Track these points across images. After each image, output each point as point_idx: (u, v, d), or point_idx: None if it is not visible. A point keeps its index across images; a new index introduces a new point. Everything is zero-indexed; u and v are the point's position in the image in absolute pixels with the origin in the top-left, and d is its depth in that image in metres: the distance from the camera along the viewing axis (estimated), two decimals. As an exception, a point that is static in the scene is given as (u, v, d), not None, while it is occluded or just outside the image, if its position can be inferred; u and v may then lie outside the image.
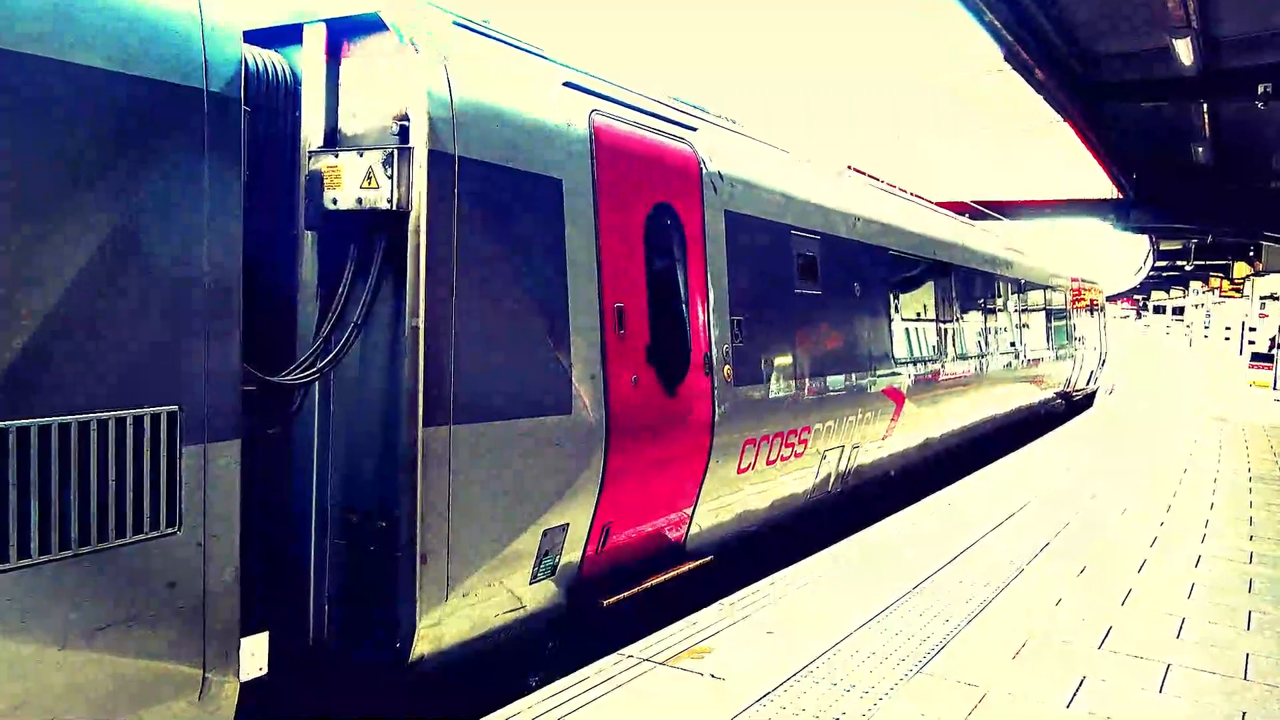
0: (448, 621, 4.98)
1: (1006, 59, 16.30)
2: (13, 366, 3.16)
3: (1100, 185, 30.26)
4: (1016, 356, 15.96)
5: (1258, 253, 39.56)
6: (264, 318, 5.05)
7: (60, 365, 3.29)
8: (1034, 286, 17.73)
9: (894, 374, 10.32)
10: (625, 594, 6.05)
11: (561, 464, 5.53)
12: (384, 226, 4.81)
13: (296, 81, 5.04)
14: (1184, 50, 14.08)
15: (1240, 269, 48.56)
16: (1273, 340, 34.06)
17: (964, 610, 6.22)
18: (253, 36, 5.07)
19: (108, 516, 3.43)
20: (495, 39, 5.60)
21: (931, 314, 12.01)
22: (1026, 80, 16.98)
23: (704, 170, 7.01)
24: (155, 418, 3.56)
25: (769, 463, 7.88)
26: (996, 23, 14.15)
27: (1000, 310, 15.25)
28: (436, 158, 4.78)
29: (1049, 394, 19.33)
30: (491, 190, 5.13)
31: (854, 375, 9.33)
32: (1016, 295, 16.35)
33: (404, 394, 4.76)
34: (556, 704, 4.63)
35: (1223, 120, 20.20)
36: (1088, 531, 8.63)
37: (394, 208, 4.70)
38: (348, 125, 5.01)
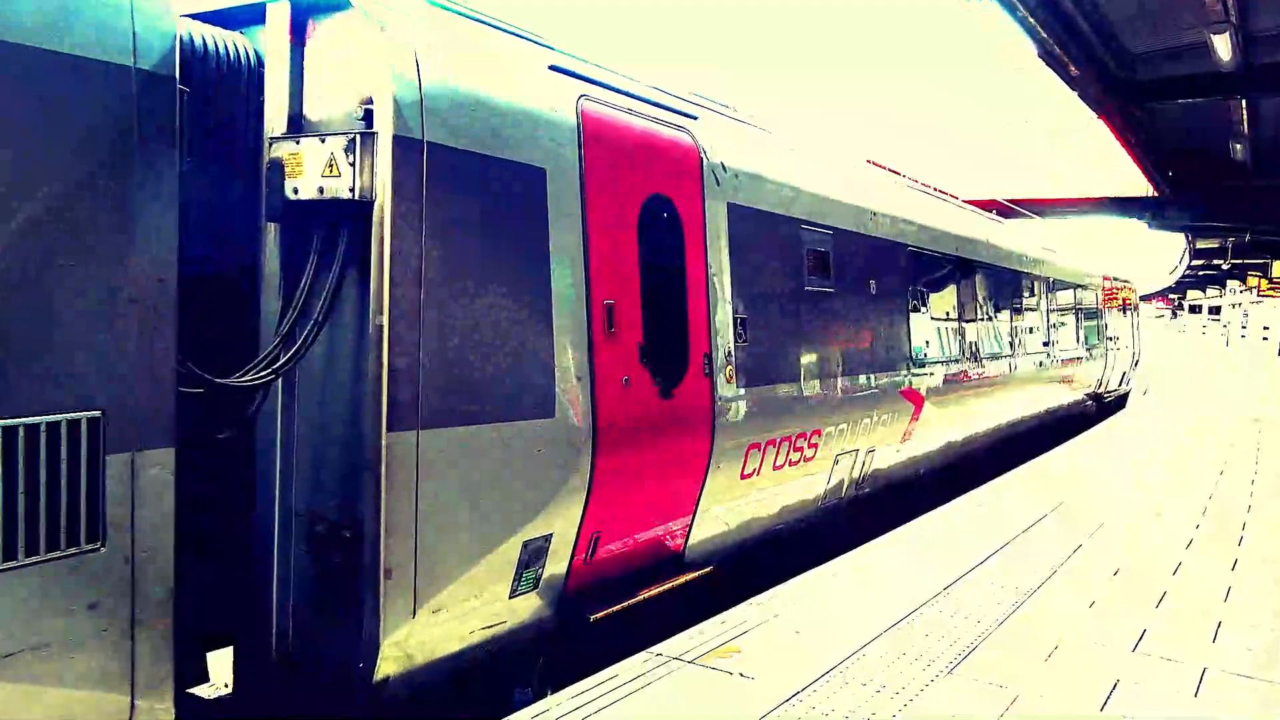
0: (417, 639, 4.66)
1: (1040, 56, 15.92)
2: None
3: (1134, 183, 29.61)
4: (1044, 357, 15.46)
5: (1297, 251, 38.64)
6: (226, 315, 4.78)
7: None
8: (1064, 285, 17.21)
9: (913, 375, 9.92)
10: (615, 608, 5.70)
11: (543, 471, 5.20)
12: (347, 217, 4.50)
13: (260, 64, 4.75)
14: (1222, 45, 13.63)
15: (1279, 268, 47.53)
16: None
17: (995, 612, 6.06)
18: (215, 17, 4.79)
19: (16, 532, 3.13)
20: (475, 20, 5.29)
21: (954, 313, 11.57)
22: (1060, 77, 16.61)
23: (705, 161, 6.66)
24: (74, 424, 3.27)
25: (776, 468, 7.51)
26: (1031, 19, 13.82)
27: (1027, 309, 14.76)
28: (403, 144, 4.47)
29: (1079, 395, 18.78)
30: (465, 179, 4.81)
31: (869, 376, 8.94)
32: (1045, 294, 15.84)
33: (367, 396, 4.45)
34: (585, 701, 4.57)
35: (1262, 116, 19.61)
36: (1121, 534, 8.34)
37: (356, 197, 4.39)
38: (312, 110, 4.71)
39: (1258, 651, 5.44)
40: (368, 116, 4.49)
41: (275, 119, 4.70)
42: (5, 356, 3.11)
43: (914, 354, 9.99)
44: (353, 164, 4.38)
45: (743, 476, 7.06)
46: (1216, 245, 48.84)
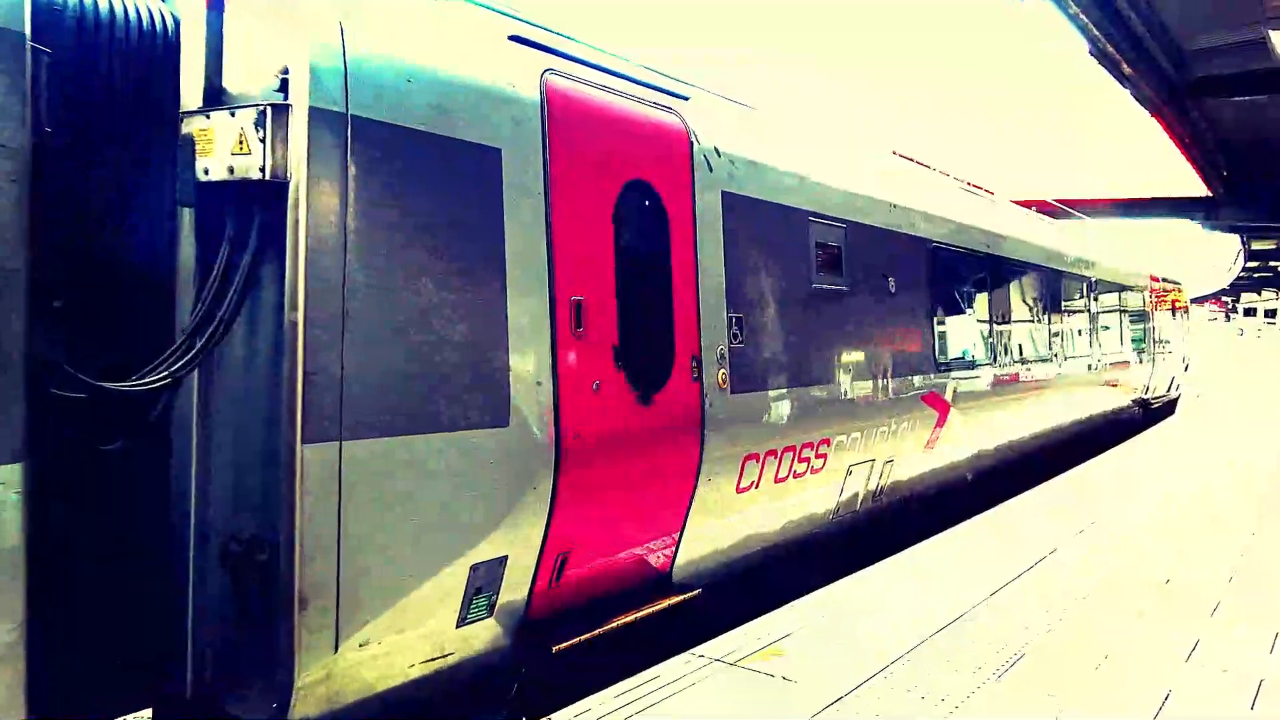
0: (343, 676, 4.14)
1: (1092, 54, 15.29)
2: None
3: (1187, 183, 28.57)
4: (1085, 361, 14.64)
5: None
6: (141, 313, 4.28)
7: None
8: (1108, 286, 16.35)
9: (937, 380, 9.24)
10: (582, 638, 5.13)
11: (496, 486, 4.65)
12: (258, 200, 3.99)
13: (179, 31, 4.26)
14: (1280, 41, 12.91)
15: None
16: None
17: (1043, 620, 5.82)
18: None
19: None
20: (422, -16, 4.76)
21: (984, 314, 10.86)
22: (1113, 75, 16.00)
23: (695, 145, 6.08)
24: None
25: (778, 480, 6.90)
26: (1083, 17, 13.28)
27: (1067, 311, 13.96)
28: (322, 117, 3.95)
29: (1124, 401, 17.88)
30: (401, 158, 4.28)
31: (886, 381, 8.29)
32: (1088, 295, 15.02)
33: (281, 403, 3.93)
34: (625, 702, 4.51)
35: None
36: (1172, 543, 7.82)
37: (268, 177, 3.88)
38: (232, 82, 4.20)
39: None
40: (284, 87, 3.98)
41: (191, 92, 4.20)
42: None
43: (938, 358, 9.31)
44: (263, 140, 3.87)
45: (739, 490, 6.47)
46: (1273, 246, 47.24)
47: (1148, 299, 19.56)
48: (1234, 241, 48.93)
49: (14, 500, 3.07)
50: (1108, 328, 16.29)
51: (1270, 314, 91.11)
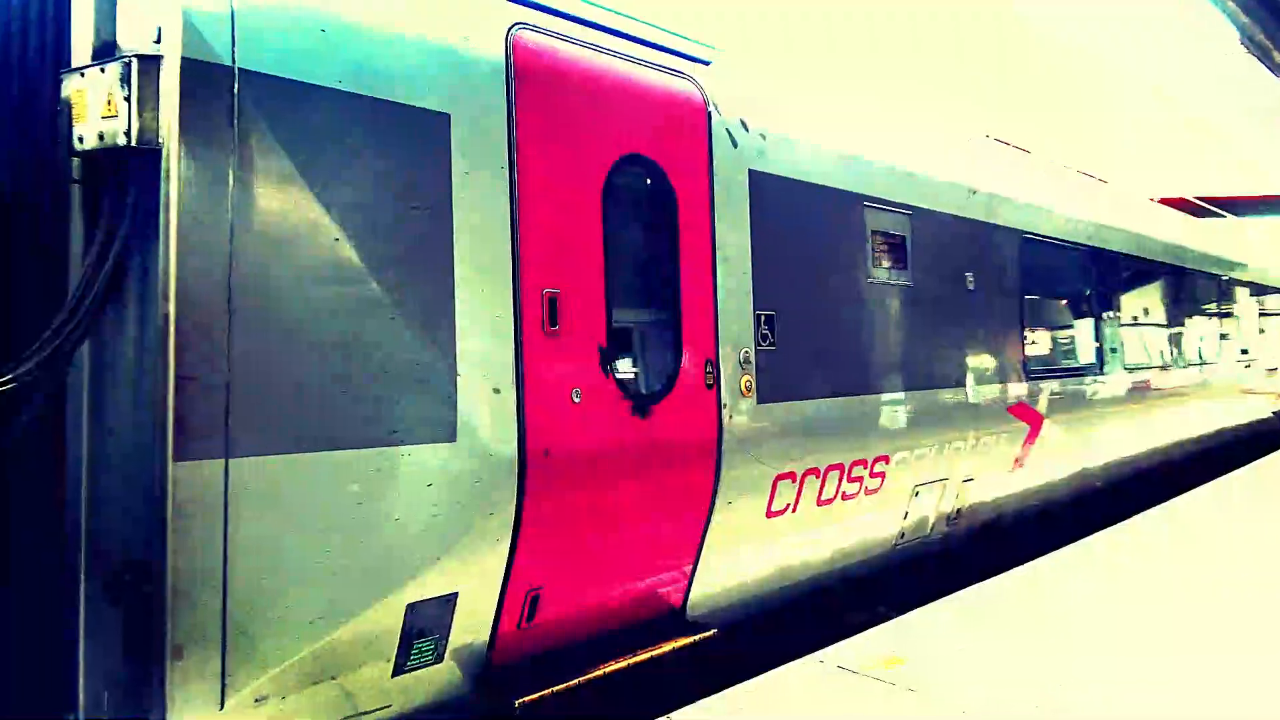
0: (235, 735, 3.49)
1: (1242, 43, 13.97)
2: None
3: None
4: (1213, 367, 13.11)
5: None
6: (28, 307, 3.73)
7: None
8: (1242, 285, 14.72)
9: (1027, 388, 8.15)
10: (554, 689, 4.38)
11: (437, 513, 3.94)
12: (130, 173, 3.37)
13: None
14: None
15: None
16: None
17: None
18: None
19: None
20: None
21: (1089, 315, 9.66)
22: (1264, 64, 14.57)
23: (714, 116, 5.27)
24: None
25: (823, 503, 6.02)
26: (1231, 3, 12.02)
27: (1192, 312, 12.49)
28: (198, 71, 3.32)
29: (1264, 414, 16.11)
30: (311, 123, 3.62)
31: (961, 389, 7.29)
32: (1216, 294, 13.49)
33: (150, 413, 3.31)
34: (738, 707, 4.40)
35: None
36: None
37: (135, 143, 3.27)
38: (124, 36, 3.59)
39: None
40: (159, 38, 3.36)
41: (81, 48, 3.63)
42: None
43: (1029, 363, 8.22)
44: (128, 99, 3.26)
45: (770, 514, 5.62)
46: None
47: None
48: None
49: None
50: (1241, 331, 14.65)
51: None
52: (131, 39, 3.52)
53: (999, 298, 7.85)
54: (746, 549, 5.55)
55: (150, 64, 3.27)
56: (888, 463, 6.50)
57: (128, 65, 3.25)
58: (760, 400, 5.44)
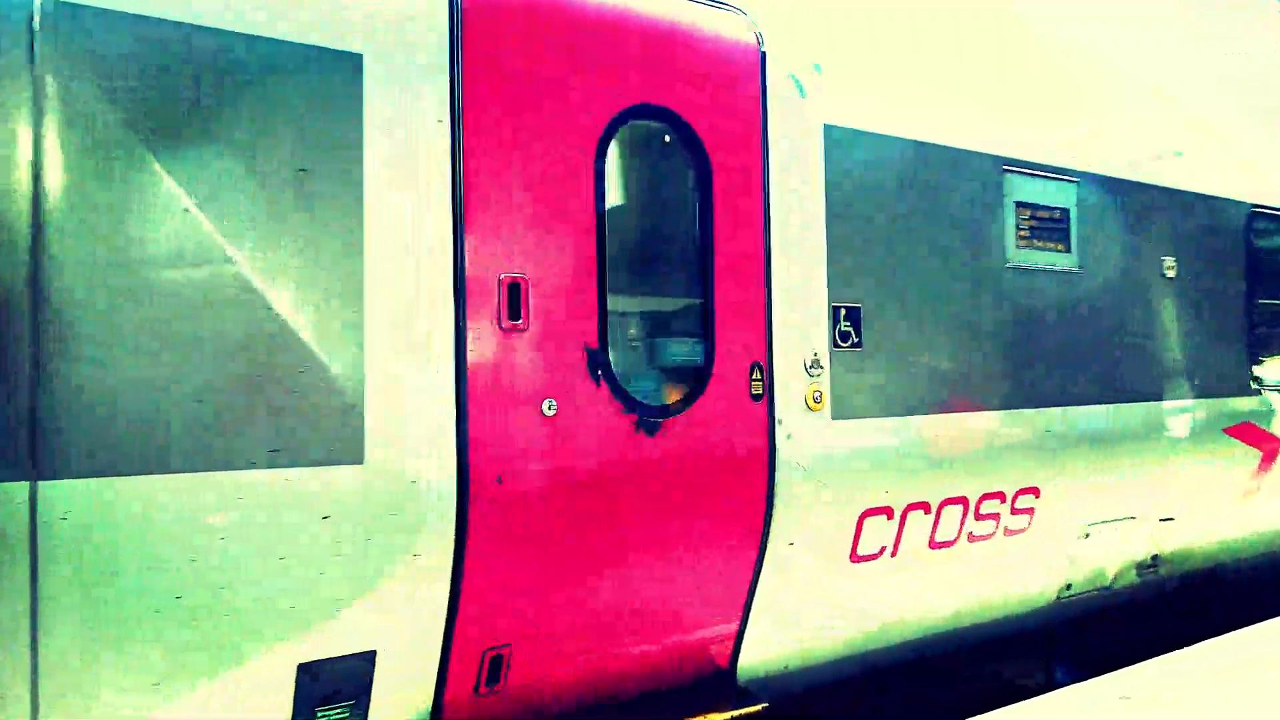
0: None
1: None
2: None
3: None
4: None
5: None
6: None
7: None
8: None
9: (1256, 404, 6.40)
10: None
11: (339, 551, 3.15)
12: None
13: None
14: None
15: None
16: None
17: None
18: None
19: None
20: None
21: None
22: None
23: (769, 60, 4.20)
24: None
25: (937, 545, 4.76)
26: None
27: None
28: None
29: None
30: (154, 67, 2.92)
31: (1157, 405, 5.74)
32: None
33: None
34: None
35: None
36: None
37: None
38: None
39: None
40: None
41: None
42: None
43: (1258, 372, 6.45)
44: (-97, 38, 2.68)
45: (854, 559, 4.45)
46: None
47: None
48: None
49: None
50: None
51: None
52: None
53: (1216, 289, 6.18)
54: (820, 605, 4.41)
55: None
56: (1037, 496, 5.12)
57: None
58: (837, 415, 4.30)
